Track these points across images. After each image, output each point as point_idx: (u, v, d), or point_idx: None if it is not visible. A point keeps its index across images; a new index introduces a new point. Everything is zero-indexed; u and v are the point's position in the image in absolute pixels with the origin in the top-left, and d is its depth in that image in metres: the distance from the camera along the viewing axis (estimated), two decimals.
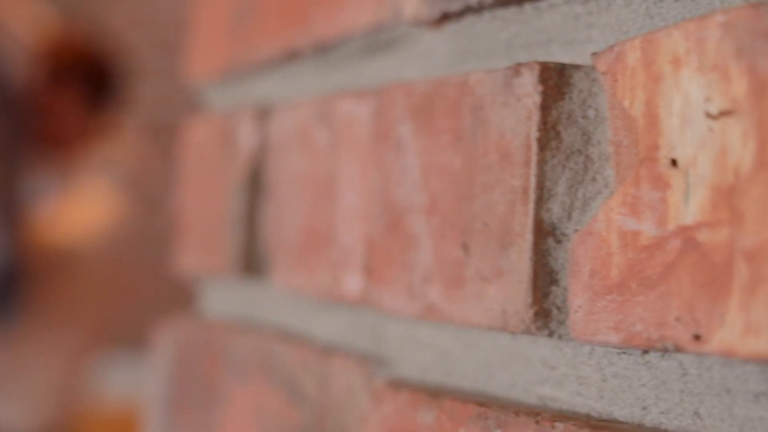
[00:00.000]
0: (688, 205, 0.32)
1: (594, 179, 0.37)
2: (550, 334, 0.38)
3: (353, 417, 0.49)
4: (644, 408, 0.35)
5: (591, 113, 0.38)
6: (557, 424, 0.36)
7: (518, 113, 0.39)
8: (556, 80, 0.38)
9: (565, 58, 0.40)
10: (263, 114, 0.58)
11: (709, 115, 0.31)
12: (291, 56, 0.57)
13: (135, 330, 3.32)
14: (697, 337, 0.31)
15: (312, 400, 0.52)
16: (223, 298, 0.64)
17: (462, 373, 0.44)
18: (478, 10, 0.43)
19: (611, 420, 0.36)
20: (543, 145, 0.38)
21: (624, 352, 0.36)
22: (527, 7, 0.42)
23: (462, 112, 0.42)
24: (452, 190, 0.42)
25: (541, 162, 0.38)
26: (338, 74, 0.55)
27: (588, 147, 0.38)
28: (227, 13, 0.63)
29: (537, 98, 0.38)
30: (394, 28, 0.50)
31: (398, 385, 0.45)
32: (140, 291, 3.13)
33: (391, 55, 0.51)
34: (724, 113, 0.30)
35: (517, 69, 0.39)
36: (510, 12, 0.43)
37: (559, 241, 0.38)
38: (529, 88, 0.38)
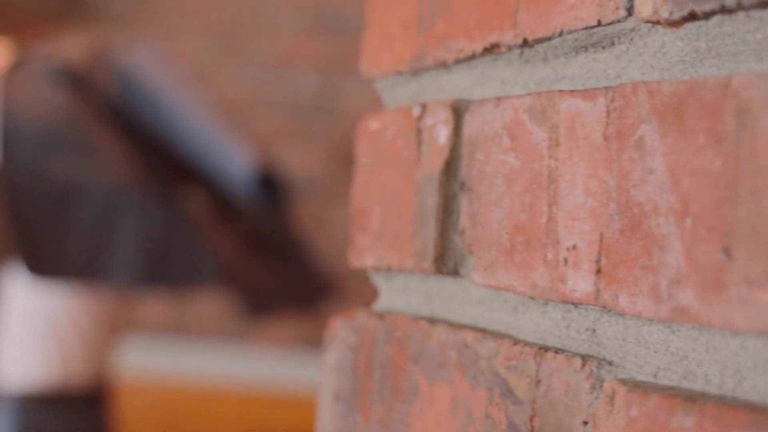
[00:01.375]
0: None
1: None
2: None
3: (577, 419, 0.48)
4: None
5: None
6: None
7: None
8: None
9: None
10: (459, 109, 0.58)
11: None
12: (489, 51, 0.57)
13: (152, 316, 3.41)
14: None
15: (523, 401, 0.52)
16: (407, 294, 0.63)
17: (704, 377, 0.44)
18: (732, 10, 0.43)
19: None
20: None
21: None
22: None
23: (723, 115, 0.41)
24: (709, 192, 0.42)
25: None
26: (545, 71, 0.54)
27: None
28: (413, 8, 0.63)
29: None
30: (617, 26, 0.49)
31: (644, 387, 0.44)
32: None
33: (610, 52, 0.50)
34: None
35: None
36: None
37: None
38: None
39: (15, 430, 2.20)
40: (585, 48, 0.52)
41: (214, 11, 3.64)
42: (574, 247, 0.49)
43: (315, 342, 3.48)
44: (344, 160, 3.49)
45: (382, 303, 0.66)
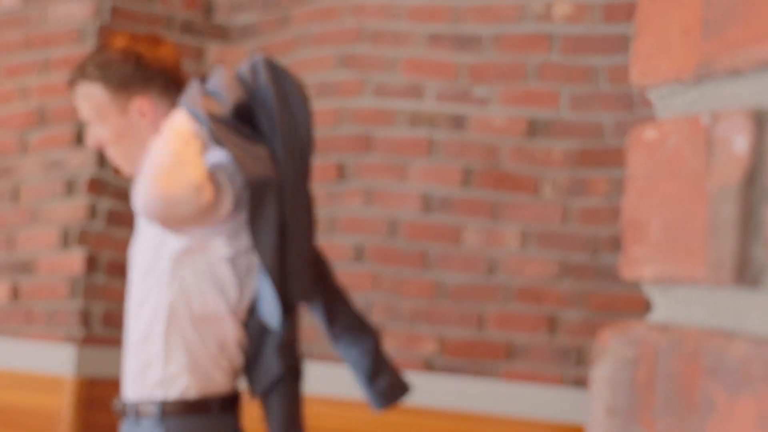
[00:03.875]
0: None
1: None
2: None
3: None
4: None
5: None
6: None
7: None
8: None
9: None
10: (760, 117, 0.57)
11: None
12: None
13: None
14: None
15: None
16: (689, 307, 0.62)
17: None
18: None
19: None
20: None
21: None
22: None
23: None
24: None
25: None
26: None
27: None
28: (697, 14, 0.62)
29: None
30: None
31: None
32: None
33: None
34: None
35: None
36: None
37: None
38: None
39: None
40: None
41: (340, 22, 3.65)
42: None
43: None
44: (473, 174, 3.47)
45: (658, 315, 0.65)
